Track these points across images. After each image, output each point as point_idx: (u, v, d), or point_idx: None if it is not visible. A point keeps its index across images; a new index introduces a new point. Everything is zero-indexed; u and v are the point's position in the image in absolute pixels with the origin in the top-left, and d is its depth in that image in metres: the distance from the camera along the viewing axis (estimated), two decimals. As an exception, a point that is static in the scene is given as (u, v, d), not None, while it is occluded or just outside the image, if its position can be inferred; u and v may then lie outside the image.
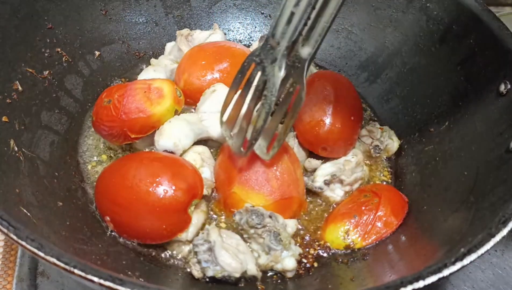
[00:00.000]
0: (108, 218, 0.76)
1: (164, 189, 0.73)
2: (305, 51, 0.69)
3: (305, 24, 0.68)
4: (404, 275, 0.53)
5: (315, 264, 0.78)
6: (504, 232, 0.57)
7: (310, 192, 0.87)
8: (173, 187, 0.73)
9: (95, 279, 0.50)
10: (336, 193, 0.87)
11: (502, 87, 0.78)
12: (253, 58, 0.74)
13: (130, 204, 0.74)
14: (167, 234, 0.76)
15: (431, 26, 0.96)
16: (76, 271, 0.50)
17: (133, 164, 0.77)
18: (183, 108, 0.95)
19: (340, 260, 0.78)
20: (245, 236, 0.75)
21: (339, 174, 0.86)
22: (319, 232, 0.83)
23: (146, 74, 1.00)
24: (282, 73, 0.70)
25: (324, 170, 0.87)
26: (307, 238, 0.82)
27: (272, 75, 0.71)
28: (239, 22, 1.21)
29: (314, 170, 0.89)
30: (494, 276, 0.86)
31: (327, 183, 0.86)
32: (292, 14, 0.67)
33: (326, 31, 0.67)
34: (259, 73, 0.74)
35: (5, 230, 0.54)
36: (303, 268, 0.77)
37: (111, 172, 0.80)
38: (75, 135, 0.93)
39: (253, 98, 0.75)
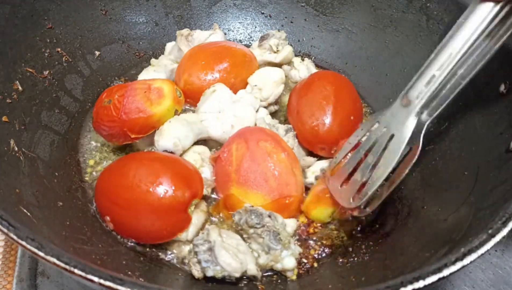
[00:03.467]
0: (108, 218, 0.76)
1: (164, 189, 0.73)
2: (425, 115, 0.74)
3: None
4: (404, 275, 0.53)
5: (315, 264, 0.78)
6: (504, 232, 0.57)
7: (306, 189, 0.87)
8: (173, 187, 0.73)
9: (95, 279, 0.50)
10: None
11: (502, 87, 0.78)
12: (379, 117, 0.77)
13: (130, 204, 0.74)
14: (167, 234, 0.76)
15: (431, 26, 0.96)
16: (76, 271, 0.50)
17: (133, 164, 0.78)
18: (183, 108, 0.95)
19: (340, 260, 0.78)
20: (244, 236, 0.75)
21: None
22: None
23: (146, 74, 1.01)
24: (410, 131, 0.73)
25: (315, 166, 0.88)
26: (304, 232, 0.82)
27: (399, 132, 0.74)
28: (239, 22, 1.21)
29: (309, 167, 0.89)
30: (494, 276, 0.86)
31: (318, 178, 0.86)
32: (433, 76, 0.71)
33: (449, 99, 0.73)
34: (382, 130, 0.76)
35: (5, 230, 0.54)
36: (303, 268, 0.77)
37: (111, 172, 0.80)
38: (75, 135, 0.93)
39: (370, 153, 0.77)
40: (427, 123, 0.74)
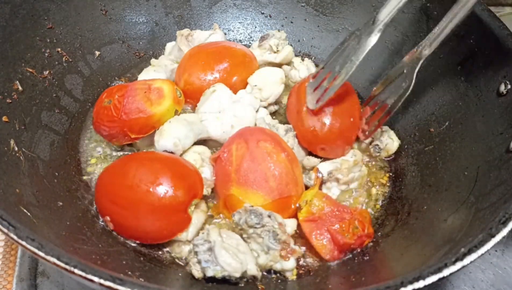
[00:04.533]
0: (108, 218, 0.76)
1: (164, 189, 0.73)
2: (425, 52, 0.85)
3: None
4: (404, 275, 0.53)
5: (315, 264, 0.78)
6: (504, 232, 0.57)
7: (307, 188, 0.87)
8: (173, 187, 0.73)
9: (95, 279, 0.50)
10: (332, 191, 0.87)
11: (502, 87, 0.78)
12: (354, 32, 0.87)
13: (130, 204, 0.74)
14: (167, 234, 0.76)
15: (431, 26, 0.96)
16: (76, 271, 0.50)
17: (133, 164, 0.78)
18: (184, 108, 0.95)
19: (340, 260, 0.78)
20: (244, 236, 0.75)
21: (335, 173, 0.86)
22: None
23: (146, 74, 1.01)
24: (373, 42, 0.84)
25: (321, 168, 0.87)
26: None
27: (362, 45, 0.85)
28: (239, 22, 1.21)
29: (311, 168, 0.89)
30: (494, 276, 0.86)
31: (323, 181, 0.86)
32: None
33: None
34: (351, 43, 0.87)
35: (5, 230, 0.54)
36: (303, 268, 0.77)
37: (111, 172, 0.80)
38: (75, 135, 0.93)
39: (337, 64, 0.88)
40: (422, 60, 0.85)
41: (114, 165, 0.82)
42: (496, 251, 0.90)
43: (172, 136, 0.84)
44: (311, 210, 0.79)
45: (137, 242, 0.77)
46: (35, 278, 0.82)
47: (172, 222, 0.75)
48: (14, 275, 0.82)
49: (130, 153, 0.91)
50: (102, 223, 0.78)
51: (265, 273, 0.75)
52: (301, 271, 0.77)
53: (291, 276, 0.75)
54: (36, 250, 0.52)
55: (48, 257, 0.51)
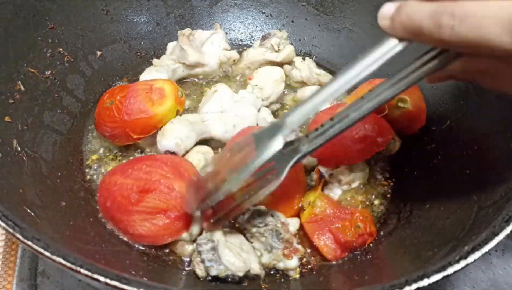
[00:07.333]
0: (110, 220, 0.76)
1: (166, 189, 0.73)
2: (303, 148, 0.69)
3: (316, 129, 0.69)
4: (407, 274, 0.53)
5: (319, 263, 0.78)
6: (508, 230, 0.57)
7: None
8: (175, 188, 0.73)
9: (101, 278, 0.50)
10: (334, 192, 0.87)
11: (503, 87, 0.78)
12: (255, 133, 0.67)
13: (131, 206, 0.74)
14: (170, 234, 0.76)
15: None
16: (82, 270, 0.50)
17: (135, 166, 0.77)
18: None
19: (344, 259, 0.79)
20: (247, 235, 0.75)
21: (336, 174, 0.86)
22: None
23: (148, 74, 1.00)
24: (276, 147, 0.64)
25: (322, 170, 0.88)
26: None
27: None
28: (240, 22, 1.21)
29: (313, 168, 0.89)
30: (495, 276, 0.87)
31: (325, 182, 0.86)
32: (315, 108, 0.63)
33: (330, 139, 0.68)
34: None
35: (11, 230, 0.53)
36: (306, 267, 0.77)
37: (113, 174, 0.80)
38: (77, 135, 0.93)
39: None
40: (298, 156, 0.69)
41: (116, 169, 0.82)
42: (496, 251, 0.90)
43: (174, 136, 0.84)
44: (314, 212, 0.79)
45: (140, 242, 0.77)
46: (35, 278, 0.82)
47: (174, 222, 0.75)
48: (14, 275, 0.82)
49: (131, 153, 0.91)
50: (105, 223, 0.78)
51: (268, 272, 0.75)
52: (304, 270, 0.77)
53: (294, 275, 0.75)
54: (42, 250, 0.51)
55: (54, 257, 0.51)
